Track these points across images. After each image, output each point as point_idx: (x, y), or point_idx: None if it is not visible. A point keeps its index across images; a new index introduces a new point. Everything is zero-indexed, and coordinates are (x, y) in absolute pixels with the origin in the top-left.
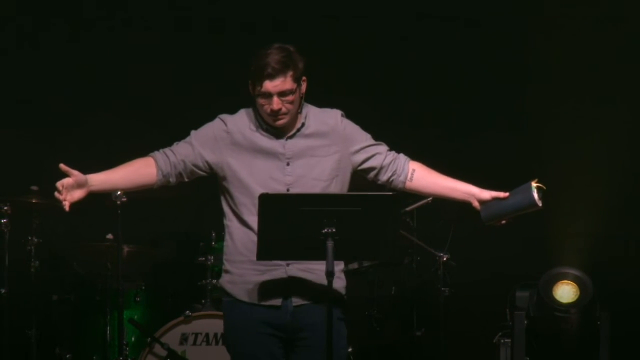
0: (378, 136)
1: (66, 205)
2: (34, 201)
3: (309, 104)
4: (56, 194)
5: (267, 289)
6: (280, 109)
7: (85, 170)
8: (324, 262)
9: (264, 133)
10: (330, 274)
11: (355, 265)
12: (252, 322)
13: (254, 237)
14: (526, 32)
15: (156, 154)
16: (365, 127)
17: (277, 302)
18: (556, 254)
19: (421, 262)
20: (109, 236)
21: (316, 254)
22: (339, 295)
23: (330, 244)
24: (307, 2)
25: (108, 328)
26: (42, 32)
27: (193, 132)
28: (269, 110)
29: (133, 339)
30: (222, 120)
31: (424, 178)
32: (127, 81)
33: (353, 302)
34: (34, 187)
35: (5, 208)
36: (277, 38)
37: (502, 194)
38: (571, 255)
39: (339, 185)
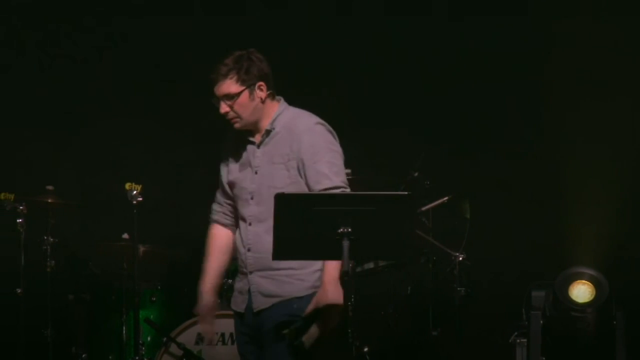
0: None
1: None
2: (49, 201)
3: (288, 107)
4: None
5: (237, 296)
6: (227, 113)
7: (103, 169)
8: (283, 265)
9: (245, 141)
10: (345, 274)
11: (371, 265)
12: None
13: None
14: (542, 33)
15: (215, 216)
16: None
17: (242, 308)
18: (572, 254)
19: (437, 261)
20: (125, 236)
21: (332, 254)
22: (296, 294)
23: (346, 243)
24: None
25: (124, 328)
26: (60, 33)
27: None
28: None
29: (149, 338)
30: (227, 135)
31: None
32: (139, 83)
33: (369, 302)
34: (50, 187)
35: (21, 208)
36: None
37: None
38: (587, 255)
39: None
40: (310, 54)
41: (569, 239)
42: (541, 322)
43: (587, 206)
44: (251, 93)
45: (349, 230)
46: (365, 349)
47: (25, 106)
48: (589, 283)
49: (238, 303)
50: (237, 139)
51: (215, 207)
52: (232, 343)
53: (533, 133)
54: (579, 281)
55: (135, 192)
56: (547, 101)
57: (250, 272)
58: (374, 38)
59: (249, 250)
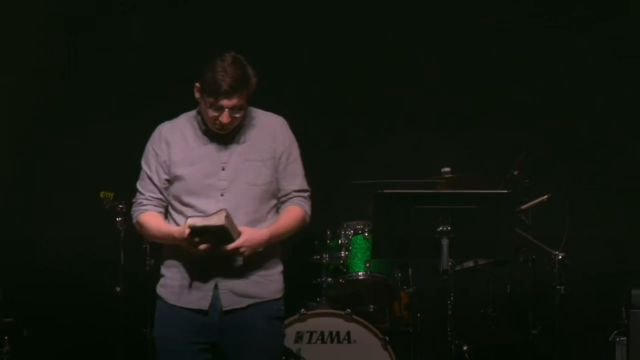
0: None
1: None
2: None
3: (251, 107)
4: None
5: (185, 291)
6: (230, 122)
7: None
8: (254, 266)
9: (202, 137)
10: (445, 272)
11: (470, 264)
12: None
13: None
14: None
15: (146, 207)
16: None
17: (204, 306)
18: None
19: (536, 260)
20: None
21: (431, 253)
22: (273, 296)
23: (445, 242)
24: None
25: None
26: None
27: (142, 162)
28: (218, 124)
29: None
30: (160, 132)
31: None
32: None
33: (468, 300)
34: None
35: (121, 206)
36: None
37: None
38: None
39: (273, 190)
40: (417, 50)
41: None
42: None
43: None
44: (247, 101)
45: (449, 228)
46: (465, 348)
47: (124, 104)
48: None
49: (192, 300)
50: (180, 132)
51: (141, 200)
52: (332, 341)
53: (633, 130)
54: None
55: None
56: None
57: (216, 270)
58: (487, 39)
59: None
